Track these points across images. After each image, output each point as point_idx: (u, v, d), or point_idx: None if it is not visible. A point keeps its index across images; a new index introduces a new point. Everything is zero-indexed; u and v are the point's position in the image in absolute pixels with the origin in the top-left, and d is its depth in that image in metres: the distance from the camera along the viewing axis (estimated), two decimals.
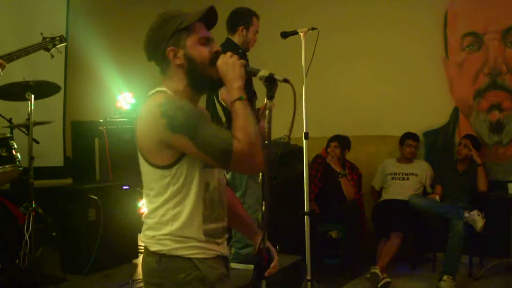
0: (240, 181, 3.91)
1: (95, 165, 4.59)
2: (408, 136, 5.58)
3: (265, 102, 1.90)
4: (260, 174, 4.21)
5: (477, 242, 4.93)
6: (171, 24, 1.83)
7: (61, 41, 3.73)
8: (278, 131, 3.97)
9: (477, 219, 4.63)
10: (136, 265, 4.25)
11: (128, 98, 5.27)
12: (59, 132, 5.43)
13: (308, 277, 3.89)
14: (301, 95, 3.93)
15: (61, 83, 5.03)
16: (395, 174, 5.57)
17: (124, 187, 4.32)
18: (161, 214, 1.79)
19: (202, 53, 1.83)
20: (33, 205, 3.79)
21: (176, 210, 1.78)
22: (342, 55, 6.10)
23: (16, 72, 3.37)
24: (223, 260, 1.89)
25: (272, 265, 1.95)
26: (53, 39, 3.70)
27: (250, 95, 3.82)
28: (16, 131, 4.24)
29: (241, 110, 1.75)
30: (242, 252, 4.02)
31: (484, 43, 5.47)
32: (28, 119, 3.86)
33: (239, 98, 1.76)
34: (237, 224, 2.11)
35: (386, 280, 4.63)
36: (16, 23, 5.06)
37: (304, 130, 3.98)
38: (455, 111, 5.65)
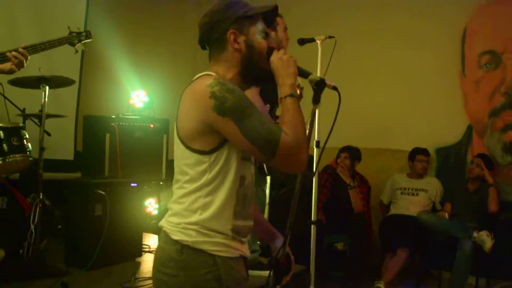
0: None
1: (105, 161, 4.60)
2: (419, 151, 5.54)
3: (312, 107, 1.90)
4: (268, 180, 4.18)
5: (485, 263, 4.86)
6: (236, 9, 1.81)
7: (87, 37, 3.71)
8: None
9: (486, 239, 4.57)
10: (139, 264, 4.23)
11: (141, 96, 5.28)
12: (71, 126, 5.45)
13: (312, 287, 3.85)
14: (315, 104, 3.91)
15: (76, 77, 5.06)
16: (405, 189, 5.52)
17: (132, 185, 4.31)
18: (191, 201, 1.72)
19: (262, 44, 1.83)
20: (41, 197, 3.79)
21: (208, 198, 1.71)
22: (358, 65, 6.07)
23: (32, 63, 3.35)
24: (244, 260, 1.84)
25: (290, 273, 1.92)
26: (79, 34, 3.68)
27: (274, 99, 3.81)
28: (28, 122, 4.25)
29: (291, 106, 1.73)
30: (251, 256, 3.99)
31: (502, 62, 5.42)
32: (41, 111, 3.87)
33: (291, 95, 1.75)
34: (257, 226, 2.00)
35: None
36: (36, 16, 5.10)
37: (316, 139, 3.96)
38: (469, 129, 5.61)
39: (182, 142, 1.73)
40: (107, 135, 4.60)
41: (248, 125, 1.63)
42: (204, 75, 1.77)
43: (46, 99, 3.82)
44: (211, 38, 1.83)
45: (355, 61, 6.00)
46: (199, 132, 1.68)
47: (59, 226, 4.36)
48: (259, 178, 3.91)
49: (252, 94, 1.88)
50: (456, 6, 5.63)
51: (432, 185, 5.48)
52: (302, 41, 4.06)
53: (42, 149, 3.83)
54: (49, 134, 4.17)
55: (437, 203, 5.42)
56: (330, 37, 4.01)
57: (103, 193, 3.95)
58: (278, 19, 4.00)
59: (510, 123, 5.36)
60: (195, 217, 1.71)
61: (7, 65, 3.23)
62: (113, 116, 4.74)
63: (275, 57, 1.81)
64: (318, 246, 3.97)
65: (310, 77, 1.84)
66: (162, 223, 1.79)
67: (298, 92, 4.18)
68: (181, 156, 1.75)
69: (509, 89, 5.35)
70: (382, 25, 6.02)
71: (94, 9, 5.53)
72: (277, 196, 4.51)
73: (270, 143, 1.63)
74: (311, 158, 4.14)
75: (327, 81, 1.83)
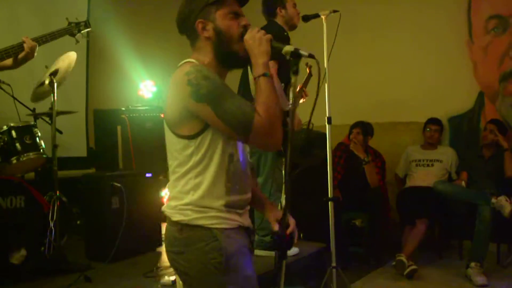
0: (263, 167, 3.88)
1: (118, 154, 4.61)
2: (429, 121, 5.54)
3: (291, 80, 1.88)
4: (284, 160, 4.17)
5: (505, 229, 4.83)
6: None
7: (85, 26, 3.73)
8: (302, 118, 3.98)
9: (504, 204, 4.53)
10: (160, 253, 4.25)
11: (149, 86, 5.27)
12: (82, 122, 5.46)
13: (333, 264, 3.85)
14: (323, 79, 3.89)
15: (83, 72, 5.07)
16: (420, 160, 5.49)
17: (147, 175, 4.33)
18: (183, 183, 1.83)
19: (231, 27, 1.87)
20: (57, 194, 3.81)
21: (197, 179, 1.81)
22: (364, 40, 6.04)
23: (38, 59, 3.36)
24: (245, 230, 1.92)
25: (289, 230, 1.92)
26: (78, 24, 3.70)
27: (287, 77, 3.79)
28: (39, 121, 4.26)
29: (264, 86, 1.78)
30: (266, 240, 3.99)
31: (510, 26, 5.36)
32: (51, 108, 3.87)
33: (264, 74, 1.79)
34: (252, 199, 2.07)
35: (412, 268, 4.56)
36: (38, 10, 5.08)
37: (327, 115, 3.94)
38: (480, 96, 5.56)
39: (170, 129, 1.84)
40: (119, 128, 4.61)
41: (222, 109, 1.71)
42: (185, 62, 1.85)
43: (55, 97, 3.82)
44: (186, 30, 1.92)
45: (362, 36, 5.98)
46: (182, 118, 1.78)
47: (78, 222, 4.39)
48: (276, 159, 3.90)
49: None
50: None
51: (446, 155, 5.44)
52: (306, 18, 4.02)
53: (55, 146, 3.84)
54: (60, 132, 4.19)
55: (453, 172, 5.39)
56: (334, 11, 3.95)
57: (119, 185, 3.97)
58: None
59: None
60: (188, 198, 1.82)
61: (8, 61, 3.25)
62: (123, 108, 4.74)
63: (247, 36, 1.83)
64: (336, 224, 3.97)
65: (285, 49, 1.83)
66: (164, 208, 1.91)
67: (308, 70, 4.17)
68: (170, 142, 1.86)
69: None
70: (387, 1, 5.96)
71: (96, 2, 5.51)
72: (292, 176, 4.50)
73: (244, 124, 1.71)
74: (322, 136, 4.12)
75: (301, 51, 1.81)
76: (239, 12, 1.90)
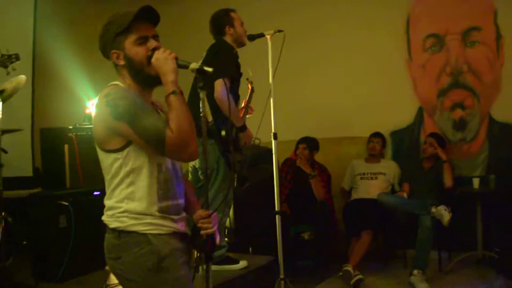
0: (214, 181, 3.91)
1: (65, 172, 4.56)
2: (372, 135, 5.76)
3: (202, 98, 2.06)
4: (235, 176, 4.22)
5: (445, 237, 5.05)
6: (112, 29, 2.00)
7: (16, 59, 3.76)
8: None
9: (444, 213, 4.74)
10: (108, 272, 4.21)
11: None
12: (28, 141, 5.37)
13: (281, 276, 3.93)
14: (269, 97, 4.02)
15: (28, 89, 5.00)
16: (364, 174, 5.67)
17: (95, 193, 4.30)
18: (117, 194, 1.96)
19: (139, 53, 2.00)
20: (3, 214, 3.75)
21: (130, 189, 1.95)
22: (308, 58, 6.22)
23: None
24: (181, 236, 2.04)
25: (203, 232, 2.07)
26: (10, 56, 3.74)
27: (235, 98, 3.88)
28: None
29: (175, 103, 1.91)
30: (215, 254, 4.03)
31: (446, 44, 5.63)
32: None
33: (173, 92, 1.92)
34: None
35: (358, 277, 4.69)
36: None
37: (273, 131, 4.05)
38: (420, 111, 5.80)
39: (98, 146, 1.99)
40: (66, 146, 4.56)
41: (139, 126, 1.87)
42: (109, 85, 2.02)
43: (0, 115, 3.78)
44: (107, 57, 2.07)
45: (305, 54, 6.15)
46: (106, 136, 1.94)
47: (24, 242, 4.31)
48: (227, 174, 3.94)
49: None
50: None
51: (389, 168, 5.65)
52: (252, 37, 4.13)
53: (0, 165, 3.79)
54: (5, 152, 4.12)
55: (395, 184, 5.60)
56: (279, 31, 4.08)
57: (66, 203, 3.94)
58: (234, 15, 4.08)
59: (457, 101, 5.58)
60: (124, 207, 1.95)
61: None
62: (70, 127, 4.70)
63: (153, 59, 1.98)
64: (285, 237, 4.06)
65: (191, 66, 2.02)
66: (103, 217, 2.03)
67: (249, 86, 4.28)
68: (101, 158, 2.00)
69: (454, 69, 5.57)
70: (329, 18, 6.19)
71: (42, 21, 5.47)
72: (241, 191, 4.57)
73: (158, 140, 1.86)
74: (269, 151, 4.22)
75: (206, 68, 2.00)
76: (148, 36, 2.02)
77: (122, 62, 2.01)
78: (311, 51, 6.22)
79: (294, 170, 5.51)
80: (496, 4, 5.40)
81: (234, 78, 3.82)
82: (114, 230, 1.95)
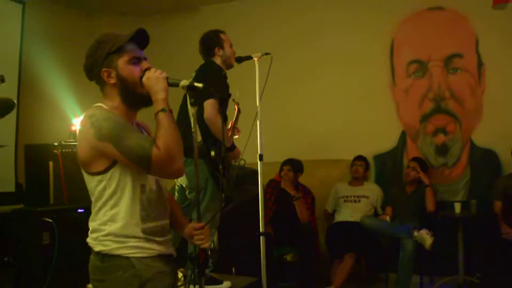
0: (201, 201, 3.90)
1: (49, 189, 4.51)
2: (355, 158, 5.83)
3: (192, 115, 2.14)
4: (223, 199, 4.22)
5: (427, 261, 5.09)
6: (104, 47, 2.01)
7: (2, 81, 3.75)
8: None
9: (426, 237, 4.79)
10: None
11: None
12: (11, 157, 5.32)
13: None
14: (255, 119, 4.05)
15: None
16: (347, 197, 5.71)
17: (79, 211, 4.28)
18: (101, 216, 1.97)
19: (133, 72, 2.03)
20: None
21: (113, 211, 1.95)
22: (294, 81, 6.29)
23: None
24: (165, 258, 2.04)
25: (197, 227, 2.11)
26: None
27: (223, 118, 3.91)
28: None
29: (163, 121, 1.93)
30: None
31: (428, 70, 5.75)
32: None
33: (162, 110, 1.95)
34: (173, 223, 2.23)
35: None
36: None
37: (259, 152, 4.07)
38: (403, 135, 5.89)
39: (83, 168, 2.00)
40: (50, 163, 4.52)
41: (123, 145, 1.87)
42: (93, 106, 2.02)
43: None
44: (93, 77, 2.07)
45: (291, 76, 6.21)
46: (91, 157, 1.94)
47: (5, 259, 4.26)
48: (215, 194, 3.94)
49: None
50: (382, 21, 5.95)
51: (373, 191, 5.70)
52: (240, 59, 4.17)
53: None
54: None
55: (378, 207, 5.64)
56: (266, 53, 4.13)
57: (50, 220, 3.92)
58: (223, 36, 4.13)
59: (440, 126, 5.68)
60: (107, 229, 1.95)
61: None
62: (56, 144, 4.68)
63: (144, 78, 2.01)
64: (268, 259, 4.06)
65: (181, 84, 2.06)
66: (88, 240, 2.03)
67: (236, 107, 4.31)
68: (86, 180, 2.01)
69: (436, 95, 5.69)
70: (316, 42, 6.27)
71: (29, 36, 5.46)
72: (225, 211, 4.58)
73: (143, 159, 1.87)
74: (254, 172, 4.24)
75: (196, 84, 2.06)
76: (140, 57, 2.05)
77: (113, 81, 2.01)
78: (296, 72, 6.30)
79: (278, 192, 5.53)
80: (477, 32, 5.53)
81: (222, 99, 3.85)
82: (98, 253, 1.96)
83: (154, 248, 1.99)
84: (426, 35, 5.76)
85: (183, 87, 2.06)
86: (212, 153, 3.72)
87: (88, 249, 4.22)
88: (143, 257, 1.96)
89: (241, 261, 4.77)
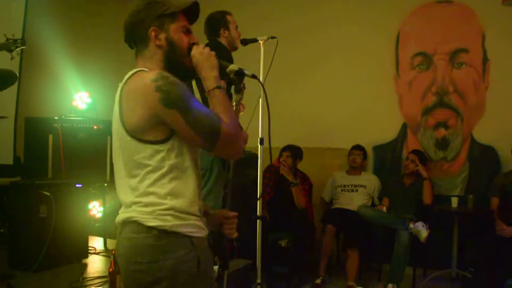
0: (206, 182, 3.89)
1: (48, 162, 4.51)
2: (353, 147, 5.82)
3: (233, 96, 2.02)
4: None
5: (421, 253, 5.11)
6: (156, 8, 1.89)
7: (22, 44, 3.73)
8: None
9: (421, 230, 4.81)
10: (86, 265, 4.21)
11: (84, 97, 5.22)
12: (10, 129, 5.30)
13: (258, 281, 3.94)
14: (258, 103, 4.04)
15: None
16: (345, 186, 5.72)
17: (77, 185, 4.29)
18: (159, 188, 1.78)
19: (183, 40, 1.92)
20: None
21: (173, 184, 1.79)
22: (297, 66, 6.27)
23: None
24: (206, 240, 1.93)
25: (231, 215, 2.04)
26: (15, 41, 3.70)
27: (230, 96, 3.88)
28: None
29: (221, 97, 1.85)
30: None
31: (433, 63, 5.73)
32: None
33: (218, 87, 1.86)
34: None
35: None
36: None
37: (260, 136, 4.07)
38: (404, 127, 5.88)
39: (134, 137, 1.78)
40: (50, 137, 4.51)
41: (192, 116, 1.73)
42: (138, 71, 1.84)
43: None
44: (136, 37, 1.92)
45: (295, 62, 6.19)
46: (150, 125, 1.75)
47: (1, 230, 4.27)
48: (220, 175, 3.94)
49: None
50: (389, 12, 5.91)
51: (370, 181, 5.71)
52: (245, 42, 4.15)
53: None
54: None
55: (375, 198, 5.65)
56: (272, 37, 4.12)
57: (48, 193, 3.91)
58: (229, 17, 4.10)
59: (441, 120, 5.67)
60: (168, 203, 1.77)
61: None
62: (56, 118, 4.67)
63: (196, 51, 1.90)
64: (263, 243, 4.07)
65: (230, 67, 1.96)
66: (129, 214, 1.80)
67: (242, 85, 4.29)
68: (135, 150, 1.78)
69: (440, 89, 5.67)
70: (322, 32, 6.24)
71: (33, 10, 5.42)
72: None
73: (213, 132, 1.75)
74: (253, 156, 4.24)
75: (245, 70, 1.96)
76: (190, 29, 1.96)
77: (161, 43, 1.88)
78: (301, 60, 6.28)
79: (276, 178, 5.53)
80: (484, 27, 5.51)
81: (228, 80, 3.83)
82: (152, 228, 1.75)
83: (204, 228, 1.88)
84: (433, 28, 5.73)
85: (230, 71, 1.96)
86: None
87: (86, 224, 4.24)
88: (200, 237, 1.83)
89: (236, 244, 4.79)
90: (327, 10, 6.24)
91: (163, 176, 1.78)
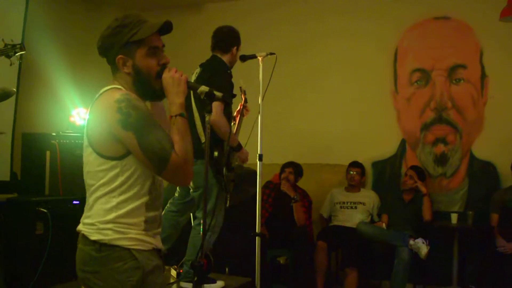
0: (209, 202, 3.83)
1: (45, 179, 4.47)
2: (351, 164, 5.79)
3: (207, 117, 2.09)
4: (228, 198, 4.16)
5: (421, 270, 5.07)
6: (124, 34, 1.93)
7: (21, 49, 3.69)
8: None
9: (421, 246, 4.77)
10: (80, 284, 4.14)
11: (82, 113, 5.19)
12: (7, 145, 5.25)
13: None
14: (257, 118, 4.02)
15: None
16: (344, 203, 5.68)
17: (75, 202, 4.25)
18: (106, 201, 1.88)
19: (150, 65, 1.96)
20: None
21: (121, 197, 1.88)
22: (296, 83, 6.26)
23: None
24: (158, 252, 2.00)
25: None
26: (14, 46, 3.66)
27: (228, 118, 3.88)
28: None
29: (181, 125, 1.90)
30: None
31: (431, 79, 5.73)
32: None
33: (180, 114, 1.91)
34: None
35: None
36: None
37: (259, 152, 4.04)
38: (403, 143, 5.87)
39: (95, 150, 1.89)
40: (48, 153, 4.48)
41: (146, 141, 1.82)
42: (112, 88, 1.94)
43: None
44: (108, 60, 2.00)
45: (293, 79, 6.18)
46: (108, 141, 1.86)
47: None
48: (220, 195, 3.88)
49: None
50: (387, 28, 5.93)
51: (369, 198, 5.68)
52: (244, 58, 4.13)
53: None
54: None
55: (374, 214, 5.62)
56: (271, 53, 4.11)
57: (45, 210, 3.88)
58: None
59: (440, 136, 5.66)
60: (110, 216, 1.87)
61: None
62: (53, 134, 4.63)
63: (167, 75, 1.95)
64: (262, 260, 4.02)
65: (200, 89, 2.00)
66: (80, 227, 1.94)
67: (243, 97, 4.27)
68: (93, 162, 1.91)
69: (438, 104, 5.67)
70: (321, 48, 6.25)
71: (32, 24, 5.40)
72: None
73: (162, 160, 1.82)
74: (252, 172, 4.21)
75: (215, 92, 2.00)
76: (159, 48, 1.98)
77: (128, 70, 1.95)
78: (300, 77, 6.27)
79: (275, 194, 5.51)
80: (482, 43, 5.52)
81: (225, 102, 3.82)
82: (94, 242, 1.86)
83: (151, 242, 1.94)
84: (431, 44, 5.75)
85: (201, 93, 2.00)
86: (215, 153, 3.68)
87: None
88: (142, 250, 1.89)
89: (235, 262, 4.74)
90: (325, 27, 6.25)
91: (113, 190, 1.87)
